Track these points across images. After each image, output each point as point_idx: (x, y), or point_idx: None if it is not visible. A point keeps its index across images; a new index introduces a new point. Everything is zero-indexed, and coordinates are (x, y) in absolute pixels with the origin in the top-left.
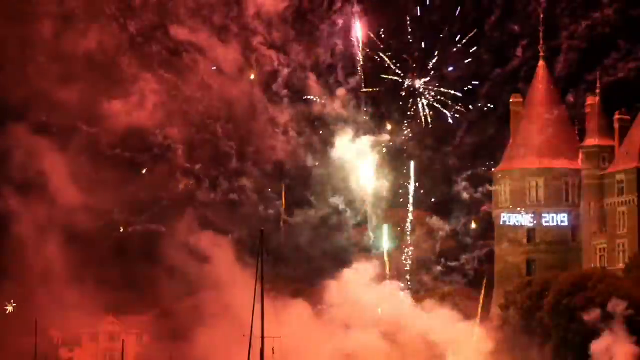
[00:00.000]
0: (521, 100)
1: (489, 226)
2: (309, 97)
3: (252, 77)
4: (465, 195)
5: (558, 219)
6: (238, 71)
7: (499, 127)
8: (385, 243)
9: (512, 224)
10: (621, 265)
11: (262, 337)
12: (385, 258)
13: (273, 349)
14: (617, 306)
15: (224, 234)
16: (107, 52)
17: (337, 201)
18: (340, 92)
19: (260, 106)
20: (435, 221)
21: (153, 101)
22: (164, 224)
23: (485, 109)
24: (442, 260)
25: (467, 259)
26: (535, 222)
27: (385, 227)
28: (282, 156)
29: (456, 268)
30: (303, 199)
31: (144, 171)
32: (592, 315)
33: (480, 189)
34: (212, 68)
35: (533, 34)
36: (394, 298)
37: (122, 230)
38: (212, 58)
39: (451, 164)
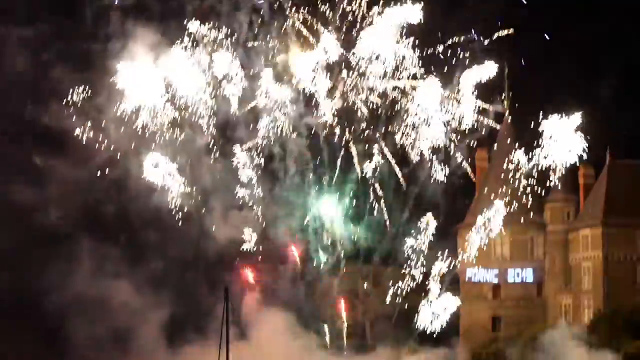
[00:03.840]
0: (486, 155)
1: (453, 281)
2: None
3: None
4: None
5: (523, 275)
6: None
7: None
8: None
9: (477, 280)
10: (586, 322)
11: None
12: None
13: None
14: None
15: None
16: None
17: None
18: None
19: None
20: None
21: None
22: None
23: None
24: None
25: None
26: (500, 279)
27: None
28: None
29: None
30: None
31: None
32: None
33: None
34: None
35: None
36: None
37: None
38: None
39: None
